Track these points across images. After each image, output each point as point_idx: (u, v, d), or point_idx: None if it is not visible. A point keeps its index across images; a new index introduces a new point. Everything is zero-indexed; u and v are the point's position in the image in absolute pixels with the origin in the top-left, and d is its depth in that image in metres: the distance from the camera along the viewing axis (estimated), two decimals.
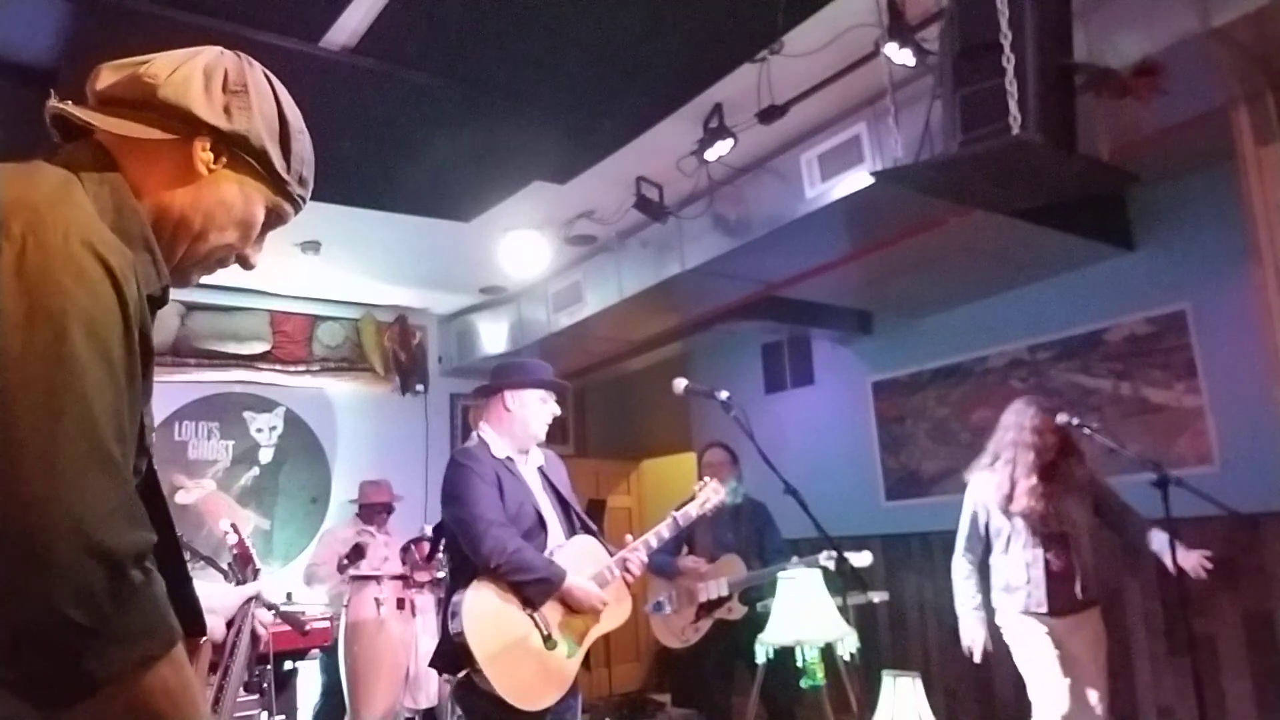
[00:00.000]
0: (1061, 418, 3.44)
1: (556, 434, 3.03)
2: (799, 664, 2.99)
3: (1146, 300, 4.53)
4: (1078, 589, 3.41)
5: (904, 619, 5.45)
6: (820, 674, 3.03)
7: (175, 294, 1.06)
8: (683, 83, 3.51)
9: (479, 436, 2.87)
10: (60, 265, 0.84)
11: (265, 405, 6.06)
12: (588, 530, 2.89)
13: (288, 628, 3.96)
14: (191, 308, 5.70)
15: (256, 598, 1.74)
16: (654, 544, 2.92)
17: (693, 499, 3.13)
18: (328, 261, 5.30)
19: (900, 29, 3.00)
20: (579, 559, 2.75)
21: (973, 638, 3.56)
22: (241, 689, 1.84)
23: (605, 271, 5.26)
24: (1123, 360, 4.65)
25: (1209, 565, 3.29)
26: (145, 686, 0.84)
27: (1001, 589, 3.54)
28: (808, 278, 4.88)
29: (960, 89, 2.64)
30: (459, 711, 2.71)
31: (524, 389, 2.85)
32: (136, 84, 1.03)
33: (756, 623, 3.37)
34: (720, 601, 4.27)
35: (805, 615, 3.04)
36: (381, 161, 3.85)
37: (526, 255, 4.95)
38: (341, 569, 4.77)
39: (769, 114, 3.62)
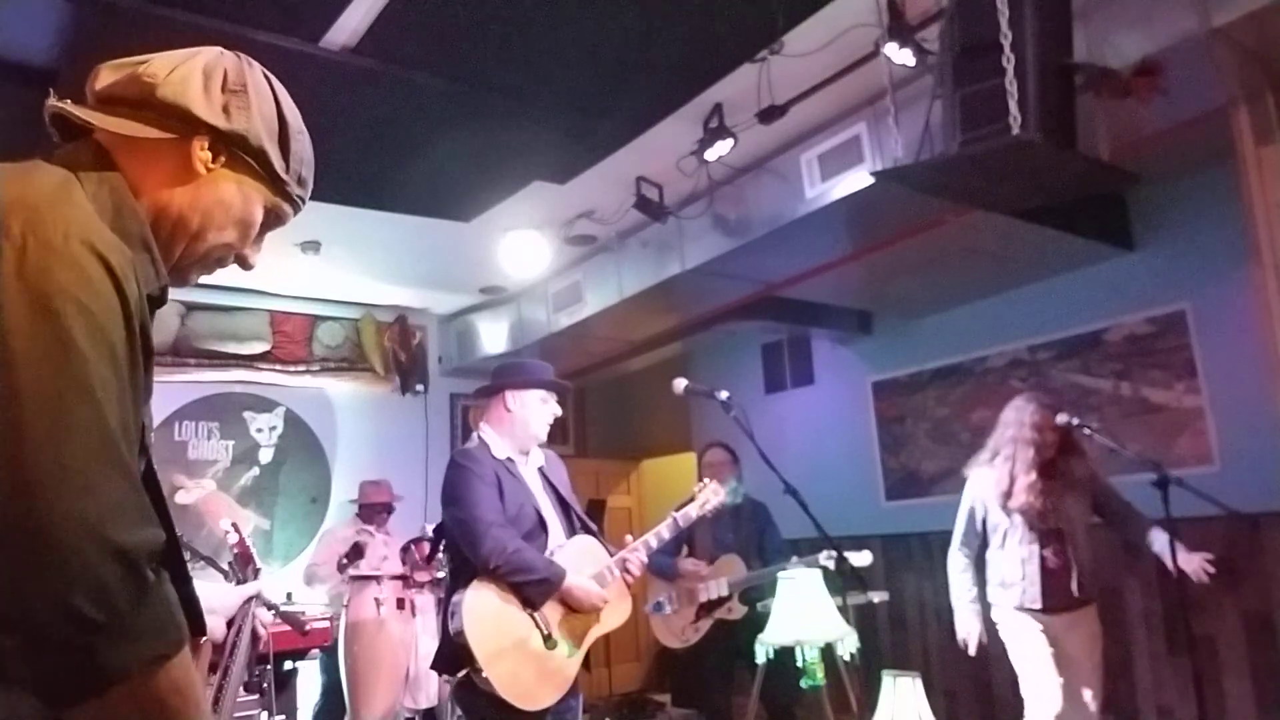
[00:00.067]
0: (1062, 418, 3.44)
1: (556, 434, 3.03)
2: (799, 664, 2.99)
3: (1146, 300, 4.54)
4: (1073, 586, 3.41)
5: (904, 619, 5.45)
6: (820, 674, 3.03)
7: (175, 294, 1.07)
8: (683, 83, 3.51)
9: (479, 437, 2.87)
10: (61, 265, 0.84)
11: (265, 405, 6.06)
12: (588, 530, 2.89)
13: (288, 628, 3.96)
14: (191, 308, 5.71)
15: (257, 597, 1.74)
16: (654, 545, 2.92)
17: (692, 500, 3.13)
18: (328, 261, 5.30)
19: (900, 29, 3.00)
20: (579, 559, 2.75)
21: (968, 630, 3.57)
22: (241, 689, 1.85)
23: (605, 271, 5.26)
24: (1123, 360, 4.65)
25: (1211, 570, 3.28)
26: (156, 684, 0.85)
27: (997, 584, 3.55)
28: (808, 278, 4.88)
29: (960, 89, 2.64)
30: (459, 711, 2.71)
31: (525, 389, 2.85)
32: (136, 83, 1.03)
33: (756, 623, 3.37)
34: (720, 601, 4.27)
35: (805, 615, 3.04)
36: (381, 161, 3.85)
37: (526, 255, 4.96)
38: (341, 568, 4.77)
39: (769, 114, 3.62)
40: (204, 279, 1.13)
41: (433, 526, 3.37)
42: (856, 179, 3.74)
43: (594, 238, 5.05)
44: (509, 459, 2.82)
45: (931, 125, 2.82)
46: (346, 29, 3.02)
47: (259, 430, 6.01)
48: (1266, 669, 4.02)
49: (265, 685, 4.14)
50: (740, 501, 3.66)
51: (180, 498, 5.44)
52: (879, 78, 3.27)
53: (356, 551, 4.76)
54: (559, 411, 2.93)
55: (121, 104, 1.02)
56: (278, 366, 6.06)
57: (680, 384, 2.97)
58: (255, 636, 1.70)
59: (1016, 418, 3.54)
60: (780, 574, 3.28)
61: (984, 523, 3.61)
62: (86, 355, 0.82)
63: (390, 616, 4.73)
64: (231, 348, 5.87)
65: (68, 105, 1.02)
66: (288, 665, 4.92)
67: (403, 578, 4.82)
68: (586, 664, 2.75)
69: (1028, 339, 5.05)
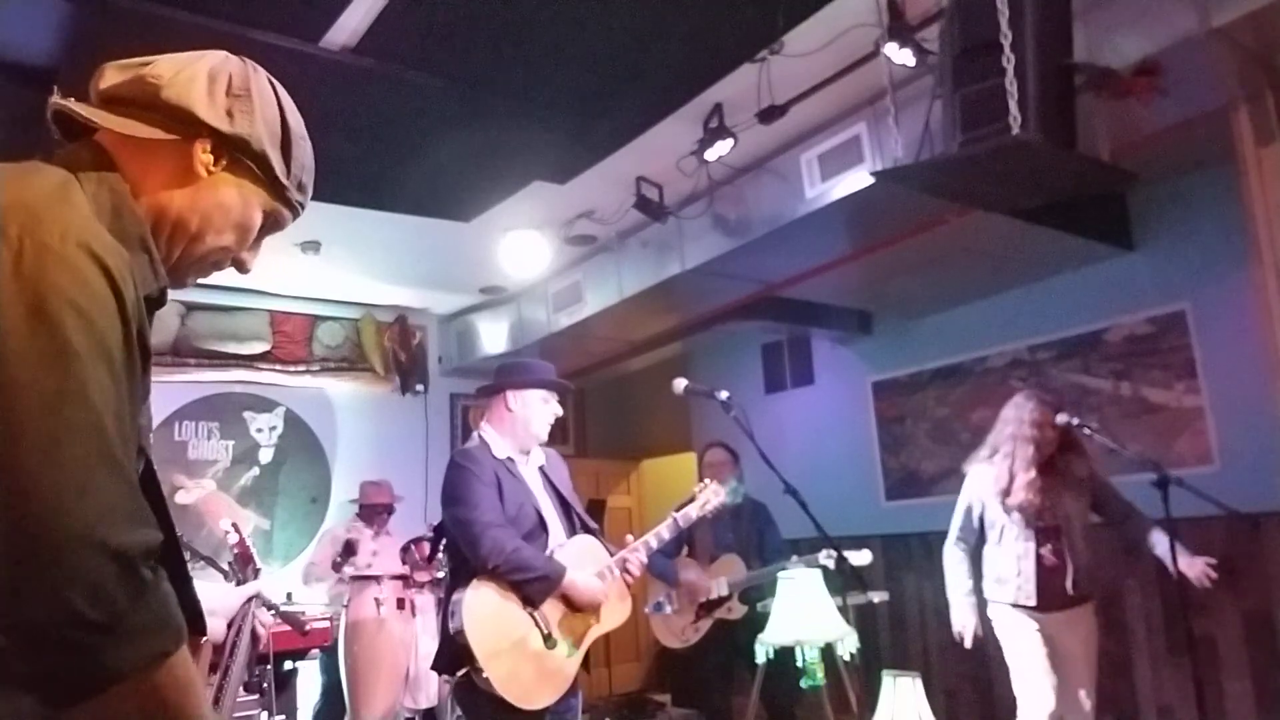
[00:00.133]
0: (1062, 418, 3.43)
1: (557, 434, 3.03)
2: (799, 664, 3.00)
3: (1146, 300, 4.53)
4: (1069, 584, 3.40)
5: (904, 619, 5.45)
6: (820, 674, 3.03)
7: (175, 294, 1.07)
8: (683, 83, 3.51)
9: (480, 437, 2.87)
10: (58, 267, 0.84)
11: (265, 405, 6.06)
12: (588, 530, 2.89)
13: (288, 628, 3.96)
14: (191, 308, 5.71)
15: (257, 597, 1.74)
16: (654, 545, 2.92)
17: (693, 500, 3.13)
18: (328, 261, 5.30)
19: (900, 29, 3.00)
20: (579, 558, 2.75)
21: (963, 623, 3.57)
22: (241, 689, 1.85)
23: (605, 271, 5.26)
24: (1123, 360, 4.65)
25: (1214, 575, 3.25)
26: (157, 682, 0.85)
27: (993, 580, 3.55)
28: (808, 278, 4.88)
29: (960, 89, 2.64)
30: (459, 711, 2.71)
31: (526, 389, 2.85)
32: (140, 84, 1.03)
33: (756, 623, 3.37)
34: (720, 601, 4.27)
35: (805, 615, 3.04)
36: (381, 161, 3.85)
37: (526, 255, 4.96)
38: (335, 568, 4.78)
39: (769, 114, 3.62)
40: (204, 279, 1.13)
41: (433, 526, 3.37)
42: (856, 179, 3.74)
43: (594, 238, 5.05)
44: (509, 458, 2.82)
45: (931, 125, 2.82)
46: (346, 29, 3.01)
47: (259, 430, 6.01)
48: (1266, 669, 4.02)
49: (265, 685, 4.14)
50: (740, 501, 3.66)
51: (180, 498, 5.44)
52: (879, 78, 3.27)
53: (349, 549, 4.77)
54: (560, 411, 2.93)
55: (125, 104, 1.02)
56: (278, 366, 6.06)
57: (680, 384, 2.97)
58: (255, 636, 1.70)
59: (1016, 415, 3.54)
60: (780, 574, 3.28)
61: (981, 519, 3.61)
62: (83, 357, 0.82)
63: (390, 616, 4.74)
64: (231, 348, 5.87)
65: (72, 104, 1.02)
66: (288, 665, 4.92)
67: (403, 578, 4.83)
68: (586, 664, 2.75)
69: (1028, 339, 5.04)
